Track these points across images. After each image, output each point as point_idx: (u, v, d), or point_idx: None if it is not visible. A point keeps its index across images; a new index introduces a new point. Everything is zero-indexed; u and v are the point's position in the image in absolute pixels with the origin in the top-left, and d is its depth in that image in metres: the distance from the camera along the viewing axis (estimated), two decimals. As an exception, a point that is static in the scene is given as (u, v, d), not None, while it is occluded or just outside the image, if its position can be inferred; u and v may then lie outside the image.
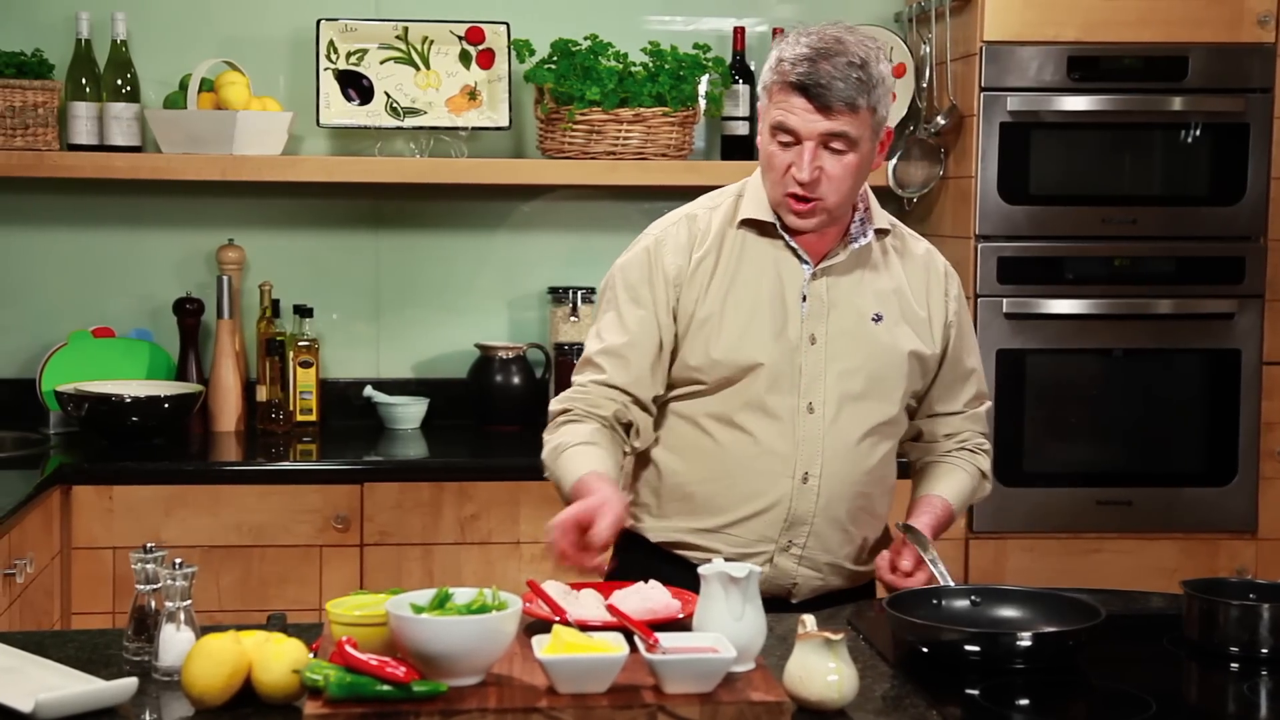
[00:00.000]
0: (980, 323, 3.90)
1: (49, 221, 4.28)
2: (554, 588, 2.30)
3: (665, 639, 2.02)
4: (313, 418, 4.22)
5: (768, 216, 2.60)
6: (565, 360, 4.25)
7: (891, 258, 2.67)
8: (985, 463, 2.78)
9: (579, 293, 4.29)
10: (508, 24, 4.22)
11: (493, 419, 4.27)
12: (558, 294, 4.32)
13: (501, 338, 4.41)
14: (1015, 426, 3.97)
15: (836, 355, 2.59)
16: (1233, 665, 2.27)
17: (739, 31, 4.31)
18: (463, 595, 2.03)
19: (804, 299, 2.59)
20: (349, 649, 1.92)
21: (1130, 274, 3.98)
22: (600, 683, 1.95)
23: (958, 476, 2.74)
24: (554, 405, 2.69)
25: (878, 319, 2.62)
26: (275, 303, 4.25)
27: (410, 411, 4.26)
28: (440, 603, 2.01)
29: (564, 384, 4.30)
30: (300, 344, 4.21)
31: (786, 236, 2.60)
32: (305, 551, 3.75)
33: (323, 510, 3.75)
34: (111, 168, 4.05)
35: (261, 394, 4.19)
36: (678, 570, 2.54)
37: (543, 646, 1.98)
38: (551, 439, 2.64)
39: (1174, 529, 4.02)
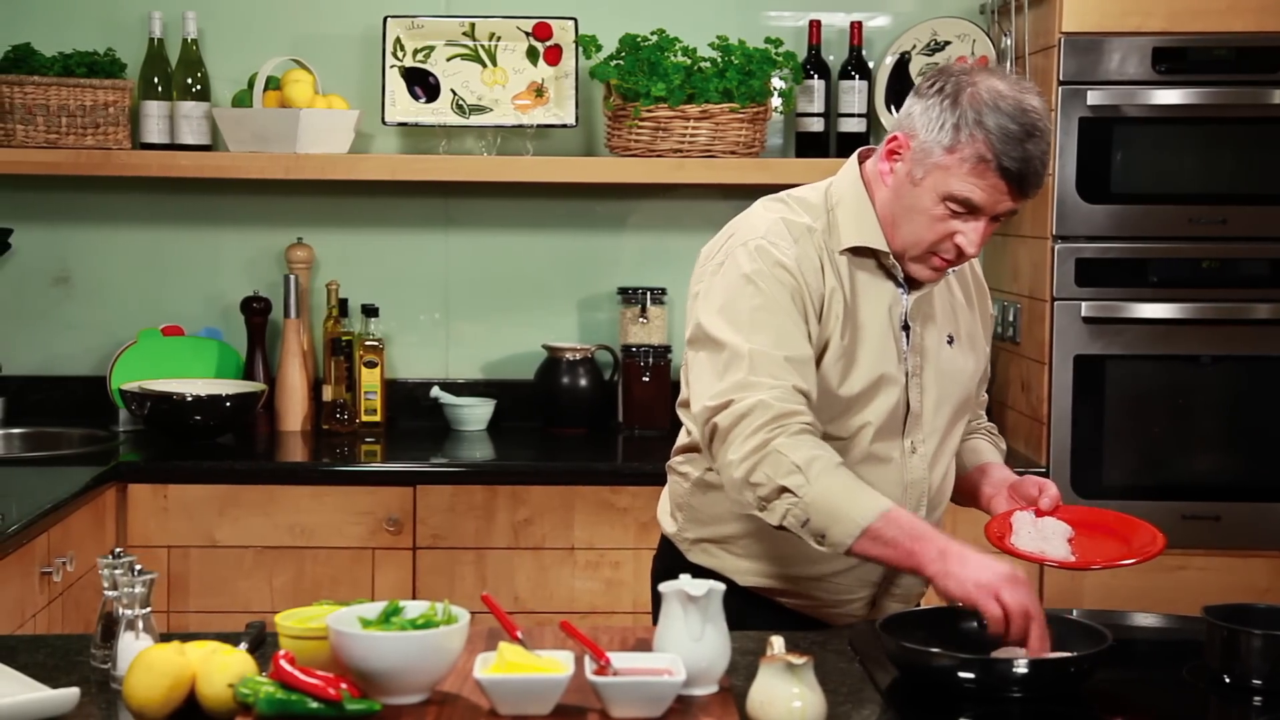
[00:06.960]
0: (1056, 327, 3.74)
1: (121, 220, 4.30)
2: (1024, 520, 2.37)
3: (618, 660, 1.92)
4: (377, 418, 4.17)
5: (881, 245, 2.39)
6: (633, 362, 4.16)
7: (950, 274, 2.53)
8: (1003, 445, 2.73)
9: (649, 293, 4.19)
10: (575, 19, 4.14)
11: (560, 421, 4.19)
12: (628, 295, 4.23)
13: (570, 339, 4.33)
14: (1094, 436, 3.79)
15: (929, 387, 2.45)
16: (1255, 699, 2.10)
17: (814, 25, 4.18)
18: (413, 609, 1.95)
19: (906, 330, 2.42)
20: (283, 663, 1.85)
21: (1219, 276, 3.78)
22: (543, 705, 1.86)
23: (989, 450, 2.65)
24: (766, 395, 2.24)
25: (951, 340, 2.48)
26: (343, 302, 4.22)
27: (477, 413, 4.20)
28: (388, 616, 1.94)
29: (633, 387, 4.25)
30: (367, 344, 4.18)
31: (895, 263, 2.40)
32: (357, 554, 3.71)
33: (375, 512, 3.70)
34: (177, 166, 4.05)
35: (327, 394, 4.16)
36: (762, 611, 2.45)
37: (486, 665, 1.89)
38: (791, 446, 2.22)
39: (1266, 546, 3.80)
